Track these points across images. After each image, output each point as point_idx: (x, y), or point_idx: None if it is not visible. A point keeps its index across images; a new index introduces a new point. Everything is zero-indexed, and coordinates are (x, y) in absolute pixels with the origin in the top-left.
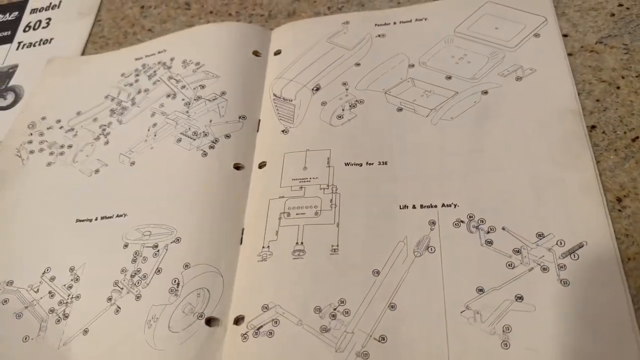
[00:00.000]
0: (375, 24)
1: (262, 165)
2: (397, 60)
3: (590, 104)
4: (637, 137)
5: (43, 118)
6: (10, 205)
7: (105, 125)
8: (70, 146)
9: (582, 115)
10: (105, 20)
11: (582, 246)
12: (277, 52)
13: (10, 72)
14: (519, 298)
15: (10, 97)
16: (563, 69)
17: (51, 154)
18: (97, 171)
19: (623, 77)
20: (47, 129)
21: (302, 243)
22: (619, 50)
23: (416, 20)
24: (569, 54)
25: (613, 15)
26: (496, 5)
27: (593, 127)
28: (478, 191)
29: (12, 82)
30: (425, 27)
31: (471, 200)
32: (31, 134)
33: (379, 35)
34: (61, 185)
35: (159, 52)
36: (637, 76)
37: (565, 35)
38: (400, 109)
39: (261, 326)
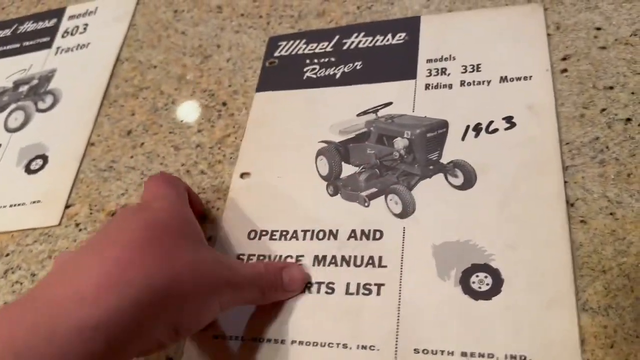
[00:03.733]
0: None
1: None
2: None
3: (624, 97)
4: None
5: None
6: None
7: None
8: None
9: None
10: (139, 25)
11: None
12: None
13: (49, 76)
14: None
15: (49, 100)
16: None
17: None
18: None
19: None
20: None
21: None
22: None
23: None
24: (602, 48)
25: None
26: None
27: (628, 119)
28: None
29: (50, 86)
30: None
31: None
32: None
33: None
34: None
35: None
36: None
37: (598, 29)
38: None
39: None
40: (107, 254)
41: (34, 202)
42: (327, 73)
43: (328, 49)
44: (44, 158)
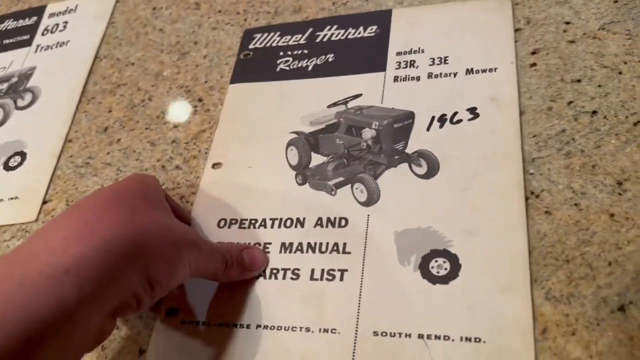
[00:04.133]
0: None
1: None
2: None
3: (591, 90)
4: (639, 122)
5: None
6: None
7: None
8: None
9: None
10: (118, 22)
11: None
12: None
13: (28, 73)
14: None
15: (28, 98)
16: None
17: None
18: None
19: (625, 63)
20: None
21: None
22: (621, 36)
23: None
24: (571, 41)
25: (616, 1)
26: None
27: (594, 112)
28: None
29: (30, 84)
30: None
31: None
32: None
33: None
34: None
35: None
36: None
37: (567, 23)
38: None
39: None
40: (75, 215)
41: (11, 198)
42: (299, 65)
43: (301, 42)
44: (22, 155)
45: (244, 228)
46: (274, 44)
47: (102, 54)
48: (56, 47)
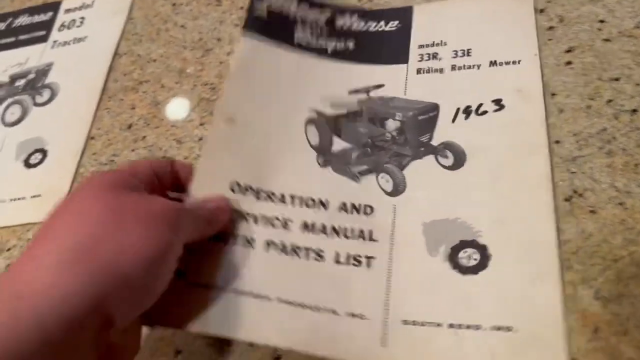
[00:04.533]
0: None
1: None
2: None
3: (630, 88)
4: None
5: None
6: None
7: None
8: None
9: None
10: (137, 18)
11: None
12: None
13: (46, 70)
14: None
15: (46, 94)
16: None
17: None
18: None
19: None
20: None
21: None
22: None
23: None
24: (606, 40)
25: None
26: None
27: (634, 110)
28: None
29: (47, 80)
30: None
31: None
32: None
33: None
34: None
35: None
36: None
37: (601, 21)
38: None
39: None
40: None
41: (34, 196)
42: (318, 44)
43: (320, 21)
44: (44, 152)
45: (261, 200)
46: (292, 13)
47: (122, 50)
48: (73, 43)
